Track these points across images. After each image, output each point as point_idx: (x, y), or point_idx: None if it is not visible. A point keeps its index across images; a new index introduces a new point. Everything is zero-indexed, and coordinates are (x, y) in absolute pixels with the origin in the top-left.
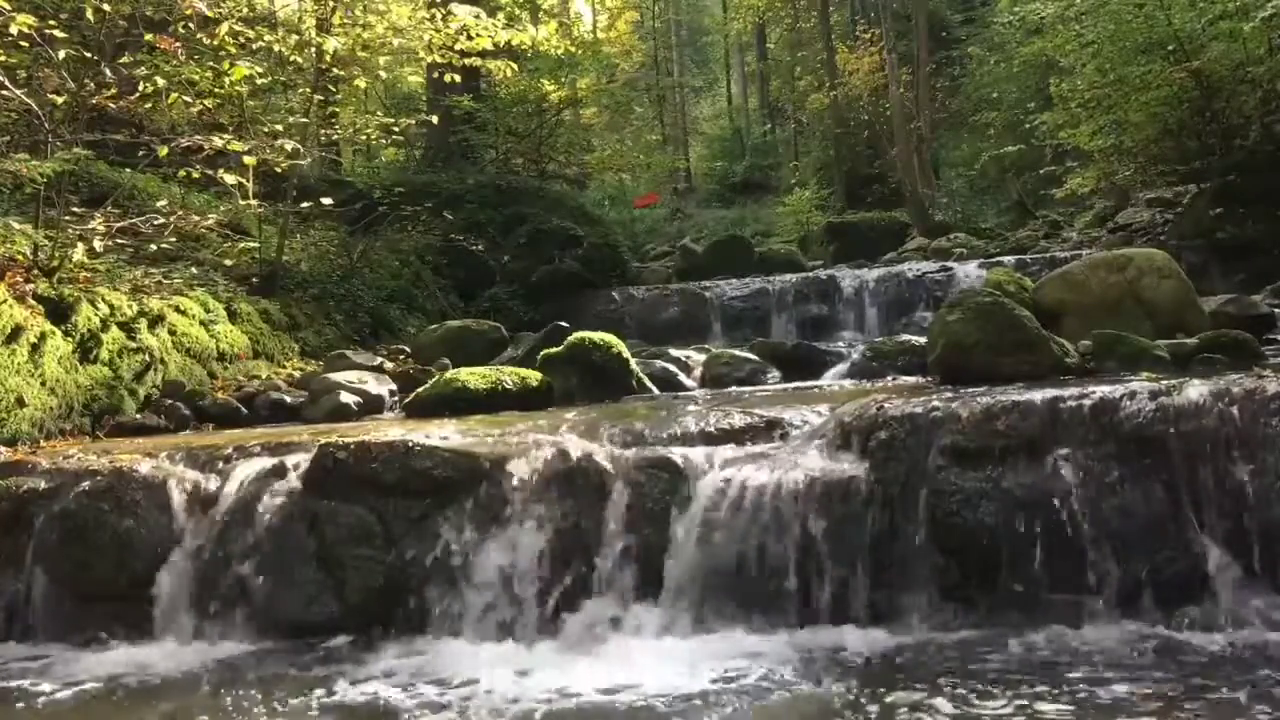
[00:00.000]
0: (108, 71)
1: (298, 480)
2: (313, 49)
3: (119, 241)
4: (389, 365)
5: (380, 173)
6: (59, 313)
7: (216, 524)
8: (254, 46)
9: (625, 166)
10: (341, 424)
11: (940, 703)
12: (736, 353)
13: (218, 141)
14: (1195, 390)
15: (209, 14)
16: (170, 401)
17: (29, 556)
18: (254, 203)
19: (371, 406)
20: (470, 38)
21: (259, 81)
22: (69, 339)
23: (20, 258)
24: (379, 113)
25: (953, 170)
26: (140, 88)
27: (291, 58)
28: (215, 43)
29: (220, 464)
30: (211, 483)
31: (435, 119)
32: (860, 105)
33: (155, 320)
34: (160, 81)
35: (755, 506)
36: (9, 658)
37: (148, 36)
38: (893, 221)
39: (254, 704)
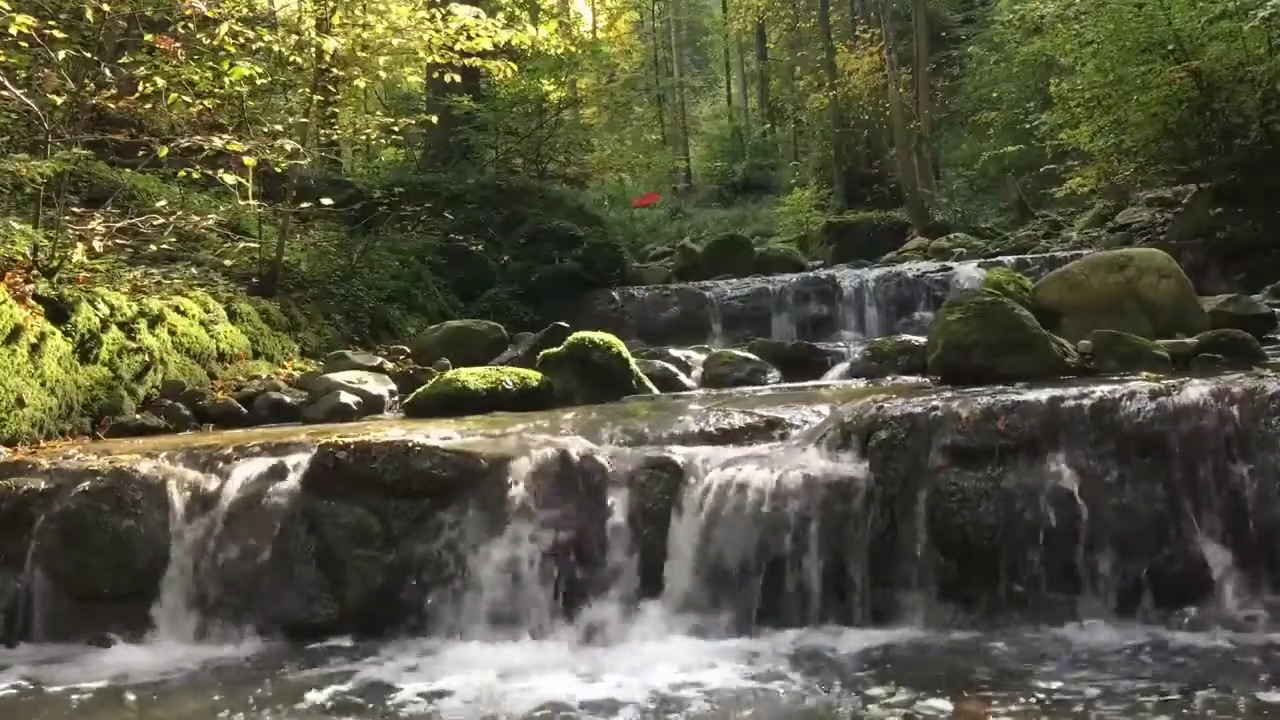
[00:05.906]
0: (108, 71)
1: (298, 480)
2: (312, 49)
3: (119, 241)
4: (389, 365)
5: (380, 173)
6: (59, 313)
7: (216, 524)
8: (254, 46)
9: (625, 166)
10: (341, 424)
11: (939, 703)
12: (736, 353)
13: (218, 141)
14: (1195, 390)
15: (209, 14)
16: (170, 402)
17: (29, 557)
18: (254, 203)
19: (371, 406)
20: (470, 38)
21: (259, 81)
22: (69, 339)
23: (20, 258)
24: (379, 113)
25: (953, 170)
26: (140, 88)
27: (291, 58)
28: (215, 43)
29: (220, 464)
30: (211, 483)
31: (435, 119)
32: (860, 105)
33: (155, 320)
34: (160, 81)
35: (755, 506)
36: (9, 658)
37: (148, 36)
38: (893, 221)
39: (254, 705)
